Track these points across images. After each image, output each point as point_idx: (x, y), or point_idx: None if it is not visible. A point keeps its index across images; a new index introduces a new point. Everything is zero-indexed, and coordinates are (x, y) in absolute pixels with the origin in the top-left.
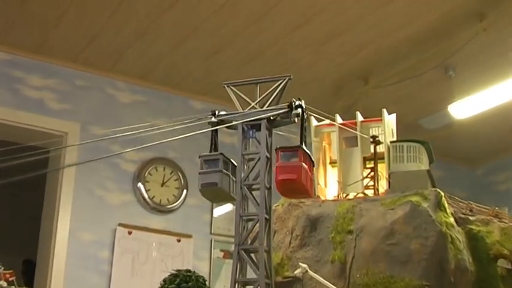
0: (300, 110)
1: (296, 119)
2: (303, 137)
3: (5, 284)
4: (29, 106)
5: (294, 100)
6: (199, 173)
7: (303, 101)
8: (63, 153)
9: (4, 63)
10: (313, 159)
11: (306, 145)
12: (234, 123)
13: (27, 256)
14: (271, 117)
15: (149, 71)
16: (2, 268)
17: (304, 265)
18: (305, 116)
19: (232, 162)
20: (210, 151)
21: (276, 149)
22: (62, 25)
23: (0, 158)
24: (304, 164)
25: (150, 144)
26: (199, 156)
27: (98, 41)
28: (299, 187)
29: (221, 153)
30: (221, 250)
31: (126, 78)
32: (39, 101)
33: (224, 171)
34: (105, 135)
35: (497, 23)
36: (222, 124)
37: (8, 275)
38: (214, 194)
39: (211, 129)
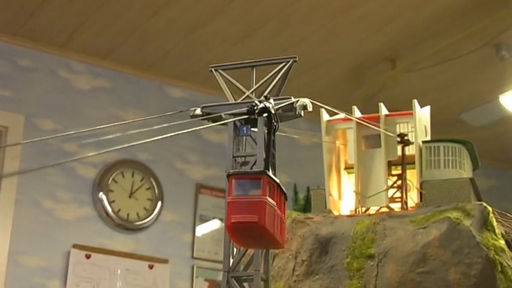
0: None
1: (302, 112)
2: (269, 157)
3: None
4: None
5: (254, 101)
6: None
7: (271, 99)
8: (1, 155)
9: None
10: (284, 189)
11: (274, 168)
12: (223, 117)
13: None
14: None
15: (114, 48)
16: None
17: None
18: (274, 125)
19: None
20: None
21: (227, 176)
22: None
23: None
24: (269, 200)
25: (121, 146)
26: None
27: (46, 8)
28: (262, 234)
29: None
30: (206, 279)
31: (84, 57)
32: None
33: None
34: (57, 132)
35: None
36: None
37: None
38: None
39: (211, 125)
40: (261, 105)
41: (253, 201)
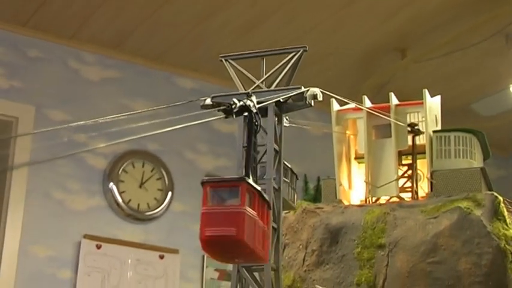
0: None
1: (312, 102)
2: (250, 162)
3: None
4: None
5: (233, 99)
6: (260, 181)
7: (253, 97)
8: (12, 146)
9: None
10: (266, 197)
11: (255, 174)
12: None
13: None
14: (281, 100)
15: (124, 39)
16: None
17: None
18: (255, 125)
19: (291, 169)
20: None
21: (202, 183)
22: None
23: None
24: (249, 210)
25: (131, 137)
26: (259, 164)
27: None
28: (241, 249)
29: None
30: (216, 269)
31: (94, 47)
32: None
33: (284, 178)
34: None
35: None
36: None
37: None
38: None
39: (222, 116)
40: (240, 103)
41: (231, 213)
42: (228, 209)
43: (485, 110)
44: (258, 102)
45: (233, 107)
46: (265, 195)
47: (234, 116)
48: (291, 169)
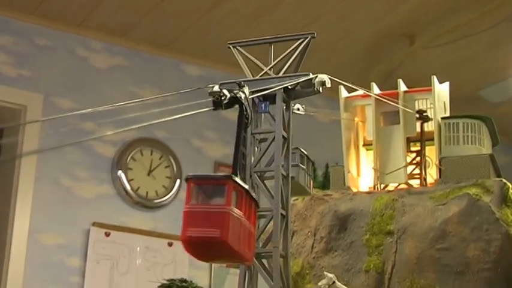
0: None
1: (321, 88)
2: (238, 159)
3: None
4: None
5: (222, 90)
6: None
7: (245, 88)
8: (21, 134)
9: None
10: (253, 196)
11: (244, 171)
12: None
13: None
14: (289, 87)
15: (131, 27)
16: None
17: (331, 275)
18: (246, 119)
19: (307, 156)
20: None
21: (186, 179)
22: None
23: None
24: (235, 210)
25: (140, 125)
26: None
27: None
28: (224, 250)
29: (297, 148)
30: None
31: (102, 35)
32: None
33: (301, 165)
34: (75, 110)
35: None
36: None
37: None
38: (291, 188)
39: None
40: (230, 95)
41: (215, 213)
42: (213, 209)
43: (494, 97)
44: (267, 90)
45: (223, 98)
46: (252, 194)
47: (223, 108)
48: (307, 156)
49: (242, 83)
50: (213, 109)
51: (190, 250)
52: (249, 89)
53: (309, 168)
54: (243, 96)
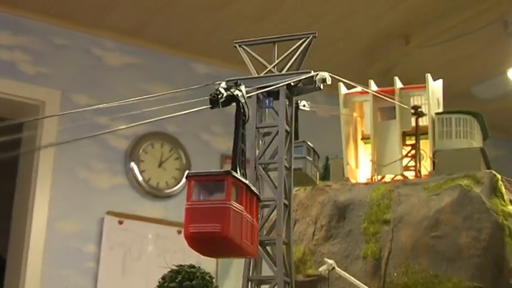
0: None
1: (322, 85)
2: (237, 155)
3: None
4: None
5: (219, 89)
6: (285, 159)
7: (242, 87)
8: (39, 128)
9: None
10: (254, 190)
11: (244, 167)
12: (247, 89)
13: None
14: (292, 83)
15: (143, 27)
16: None
17: (331, 261)
18: (244, 116)
19: (313, 149)
20: (294, 138)
21: (186, 176)
22: None
23: None
24: (235, 204)
25: (151, 120)
26: None
27: None
28: (227, 244)
29: (304, 141)
30: None
31: (115, 35)
32: (9, 64)
33: (308, 157)
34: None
35: None
36: None
37: None
38: (299, 178)
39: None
40: (227, 93)
41: (216, 208)
42: (213, 204)
43: (484, 94)
44: (271, 86)
45: (219, 96)
46: (253, 188)
47: (221, 107)
48: (313, 149)
49: (239, 81)
50: (210, 107)
51: (193, 246)
52: (254, 85)
53: (315, 160)
54: (239, 94)
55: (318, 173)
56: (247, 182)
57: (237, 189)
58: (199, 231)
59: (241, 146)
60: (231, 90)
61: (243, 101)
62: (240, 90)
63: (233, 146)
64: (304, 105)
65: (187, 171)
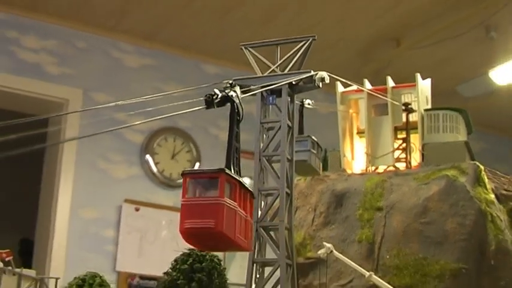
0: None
1: (321, 84)
2: (231, 153)
3: (0, 264)
4: (25, 70)
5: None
6: None
7: (237, 88)
8: (63, 123)
9: None
10: (248, 187)
11: (238, 164)
12: (252, 88)
13: (24, 235)
14: (293, 82)
15: (157, 31)
16: None
17: (329, 245)
18: (238, 116)
19: (317, 143)
20: (299, 133)
21: (182, 174)
22: None
23: None
24: (228, 201)
25: (165, 115)
26: None
27: None
28: (220, 239)
29: (309, 136)
30: None
31: (132, 39)
32: (36, 65)
33: (312, 150)
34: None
35: None
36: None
37: (4, 255)
38: (304, 169)
39: (243, 95)
40: (221, 94)
41: (210, 204)
42: (207, 201)
43: (468, 92)
44: (274, 85)
45: (214, 97)
46: (247, 185)
47: (216, 107)
48: (317, 142)
49: (233, 82)
50: (206, 108)
51: (189, 240)
52: (258, 84)
53: (318, 153)
54: (234, 94)
55: (321, 164)
56: (240, 179)
57: (231, 186)
58: (194, 226)
59: (235, 144)
60: (226, 91)
61: (237, 101)
62: (235, 91)
63: (227, 144)
64: (308, 104)
65: (197, 163)
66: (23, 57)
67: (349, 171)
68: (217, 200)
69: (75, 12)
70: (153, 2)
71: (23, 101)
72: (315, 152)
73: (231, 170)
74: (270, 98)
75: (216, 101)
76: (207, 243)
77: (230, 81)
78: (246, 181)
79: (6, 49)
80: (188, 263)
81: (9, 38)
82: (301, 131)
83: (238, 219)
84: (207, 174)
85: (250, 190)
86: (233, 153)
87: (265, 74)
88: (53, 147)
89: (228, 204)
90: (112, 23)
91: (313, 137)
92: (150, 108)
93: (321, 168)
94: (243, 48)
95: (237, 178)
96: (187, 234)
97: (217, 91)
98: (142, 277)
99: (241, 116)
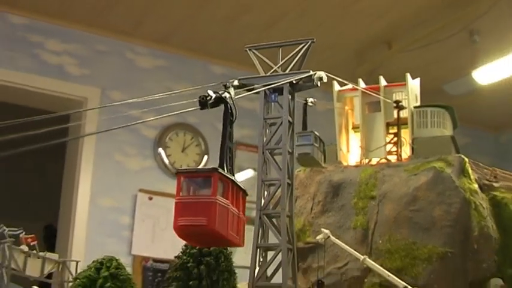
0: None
1: (319, 83)
2: (225, 152)
3: (26, 248)
4: (48, 71)
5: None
6: (296, 146)
7: (231, 89)
8: (83, 119)
9: (22, 28)
10: (240, 185)
11: (232, 163)
12: (256, 86)
13: (48, 222)
14: (294, 81)
15: (169, 36)
16: (24, 233)
17: (326, 231)
18: (231, 116)
19: (320, 138)
20: (303, 129)
21: (176, 173)
22: None
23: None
24: (221, 199)
25: (175, 112)
26: (296, 133)
27: (117, 4)
28: (213, 236)
29: (312, 131)
30: None
31: (146, 42)
32: (58, 66)
33: (315, 144)
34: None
35: None
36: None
37: (29, 240)
38: (307, 161)
39: (247, 93)
40: (215, 95)
41: (202, 202)
42: (200, 199)
43: (454, 91)
44: (276, 84)
45: (208, 99)
46: (239, 184)
47: (209, 108)
48: (319, 137)
49: (228, 84)
50: (200, 108)
51: (183, 237)
52: (261, 83)
53: (320, 146)
54: (227, 96)
55: (323, 156)
56: (233, 178)
57: (224, 185)
58: (187, 224)
59: (228, 144)
60: (220, 92)
61: (230, 102)
62: (229, 93)
63: (221, 144)
64: (311, 102)
65: (205, 156)
66: (47, 59)
67: (345, 164)
68: (210, 198)
69: (95, 18)
70: (166, 10)
71: (46, 99)
72: (317, 145)
73: (224, 169)
74: (272, 96)
75: (210, 102)
76: (201, 239)
77: (225, 83)
78: (250, 173)
79: (32, 52)
80: (197, 247)
81: (34, 42)
82: (304, 126)
83: (231, 217)
84: (200, 173)
85: (242, 188)
86: (226, 152)
87: (268, 74)
88: (73, 141)
89: (221, 202)
90: (128, 29)
91: (315, 132)
92: (162, 106)
93: (323, 160)
94: (247, 50)
95: (230, 177)
96: (181, 231)
97: (211, 92)
98: (155, 260)
99: (234, 117)
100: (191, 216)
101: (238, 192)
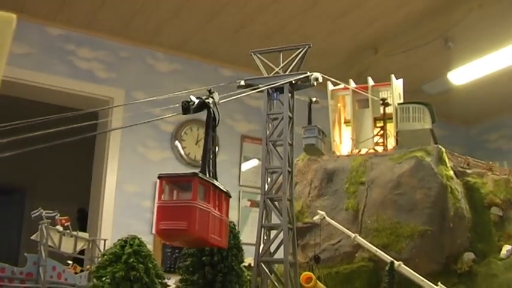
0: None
1: (315, 83)
2: (207, 156)
3: (61, 228)
4: (80, 75)
5: (190, 97)
6: (303, 138)
7: (215, 94)
8: (109, 116)
9: (59, 38)
10: (223, 188)
11: (214, 166)
12: (260, 86)
13: (81, 205)
14: (293, 81)
15: (185, 43)
16: (59, 215)
17: (322, 212)
18: (216, 121)
19: (322, 131)
20: (308, 123)
21: (158, 177)
22: (108, 3)
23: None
24: (201, 204)
25: (171, 115)
26: (303, 127)
27: (139, 17)
28: (194, 239)
29: (316, 125)
30: (248, 200)
31: (165, 49)
32: (88, 71)
33: (318, 136)
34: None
35: None
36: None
37: (63, 221)
38: (312, 151)
39: (251, 92)
40: (198, 100)
41: (183, 207)
42: (181, 204)
43: (432, 90)
44: (277, 84)
45: (190, 104)
46: (221, 187)
47: (192, 113)
48: (322, 130)
49: (212, 89)
50: (182, 113)
51: (165, 239)
52: (265, 83)
53: (323, 138)
54: (211, 101)
55: (324, 146)
56: (214, 181)
57: (205, 189)
58: (168, 228)
59: (210, 147)
60: (203, 98)
61: (214, 107)
62: (212, 98)
63: (203, 147)
64: (314, 100)
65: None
66: (79, 64)
67: (338, 153)
68: (190, 203)
69: (120, 29)
70: (182, 21)
71: (77, 99)
72: (320, 137)
73: (206, 173)
74: (275, 94)
75: (193, 107)
76: (182, 242)
77: (209, 89)
78: (254, 162)
79: (65, 58)
80: None
81: (68, 50)
82: (309, 121)
83: (212, 220)
84: (181, 178)
85: (225, 191)
86: (208, 156)
87: (271, 75)
88: (102, 135)
89: (201, 207)
90: (149, 38)
91: (319, 126)
92: (178, 105)
93: (324, 150)
94: (252, 54)
95: (210, 181)
96: (163, 234)
97: (193, 98)
98: None
99: (217, 121)
100: (172, 220)
101: (220, 195)
